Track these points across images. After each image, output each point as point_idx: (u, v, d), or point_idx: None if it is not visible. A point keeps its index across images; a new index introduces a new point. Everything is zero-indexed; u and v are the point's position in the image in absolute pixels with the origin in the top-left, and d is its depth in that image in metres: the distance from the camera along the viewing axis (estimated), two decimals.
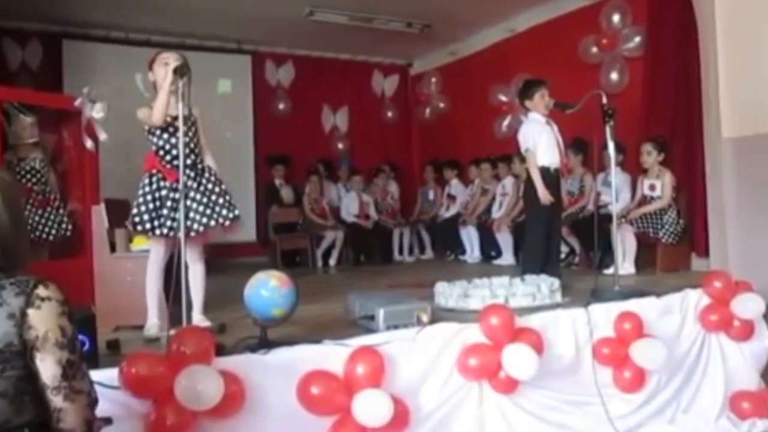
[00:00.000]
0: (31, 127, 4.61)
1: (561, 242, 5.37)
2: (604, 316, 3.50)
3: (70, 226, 4.69)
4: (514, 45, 7.98)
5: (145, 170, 3.46)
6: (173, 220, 3.32)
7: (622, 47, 6.61)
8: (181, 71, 3.05)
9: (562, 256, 5.96)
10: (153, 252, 3.46)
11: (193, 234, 3.33)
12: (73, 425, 1.53)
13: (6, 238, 1.53)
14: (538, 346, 3.07)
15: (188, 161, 3.36)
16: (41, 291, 1.50)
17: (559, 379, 3.28)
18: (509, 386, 3.05)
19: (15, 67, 7.41)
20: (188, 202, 3.33)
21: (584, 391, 3.35)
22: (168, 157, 3.41)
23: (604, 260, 5.41)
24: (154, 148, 3.43)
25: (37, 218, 4.38)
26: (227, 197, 3.48)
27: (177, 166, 3.35)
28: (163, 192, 3.38)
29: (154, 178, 3.41)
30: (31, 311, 1.47)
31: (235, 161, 8.65)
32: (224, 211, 3.43)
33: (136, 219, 3.36)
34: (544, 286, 3.85)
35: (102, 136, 4.60)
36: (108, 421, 1.82)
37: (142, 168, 3.51)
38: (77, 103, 4.60)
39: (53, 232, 4.54)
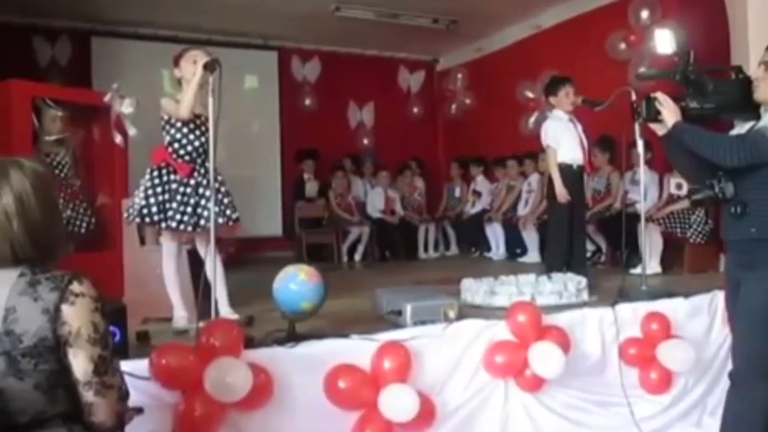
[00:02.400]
0: (60, 122, 4.67)
1: (586, 240, 5.33)
2: (631, 316, 3.47)
3: (94, 219, 4.76)
4: (541, 41, 7.91)
5: (154, 162, 3.47)
6: (183, 213, 3.34)
7: (651, 44, 6.51)
8: (211, 67, 3.08)
9: (588, 254, 5.91)
10: (165, 245, 3.50)
11: (199, 230, 3.36)
12: (103, 419, 1.56)
13: (38, 229, 1.54)
14: (565, 345, 3.06)
15: (199, 159, 3.40)
16: (75, 287, 1.51)
17: (584, 379, 3.26)
18: (535, 384, 3.05)
19: (45, 64, 7.52)
20: (198, 198, 3.37)
21: (610, 392, 3.33)
22: (182, 151, 3.42)
23: (630, 259, 5.35)
24: (168, 139, 3.44)
25: (68, 212, 4.45)
26: (230, 198, 3.51)
27: (189, 161, 3.40)
28: (173, 185, 3.39)
29: (164, 171, 3.42)
30: (64, 307, 1.49)
31: (262, 156, 8.74)
32: (228, 211, 3.46)
33: (144, 211, 3.35)
34: (570, 284, 3.82)
35: (131, 131, 4.65)
36: (139, 410, 1.84)
37: (150, 159, 3.52)
38: (106, 98, 4.66)
39: (84, 224, 4.61)
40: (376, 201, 8.43)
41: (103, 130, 4.94)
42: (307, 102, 9.03)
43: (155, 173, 3.42)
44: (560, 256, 4.57)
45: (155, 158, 3.47)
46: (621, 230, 4.41)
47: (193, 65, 3.32)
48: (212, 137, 3.06)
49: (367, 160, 8.97)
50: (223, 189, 3.48)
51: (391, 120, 9.41)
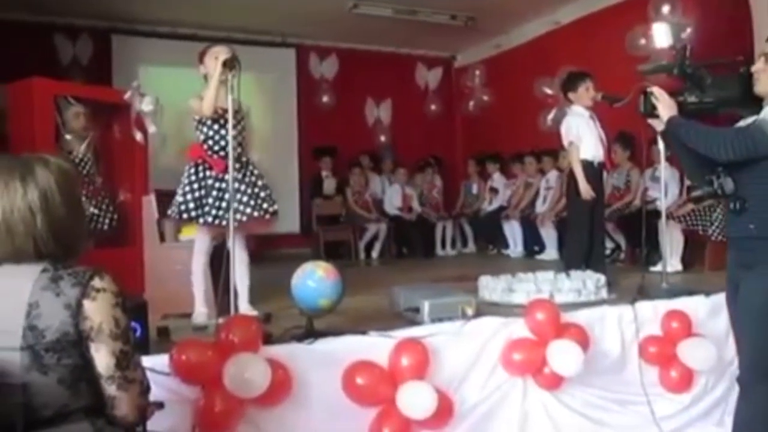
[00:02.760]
0: (81, 119, 4.73)
1: (605, 237, 5.28)
2: (651, 313, 3.44)
3: (116, 216, 4.81)
4: (560, 37, 7.86)
5: (191, 159, 3.52)
6: (218, 209, 3.38)
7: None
8: (230, 64, 3.10)
9: (608, 252, 5.87)
10: (198, 241, 3.54)
11: (235, 224, 3.38)
12: (126, 412, 1.57)
13: (61, 226, 1.55)
14: (584, 343, 3.04)
15: (234, 154, 3.41)
16: (97, 282, 1.52)
17: (604, 377, 3.24)
18: (554, 382, 3.03)
19: (67, 62, 7.61)
20: (233, 193, 3.38)
21: (630, 390, 3.31)
22: (216, 148, 3.46)
23: (650, 257, 5.31)
24: (201, 137, 3.49)
25: (91, 208, 4.50)
26: (268, 191, 3.54)
27: (224, 157, 3.42)
28: (209, 181, 3.44)
29: (200, 168, 3.47)
30: (86, 302, 1.50)
31: (280, 153, 8.76)
32: (265, 204, 3.49)
33: (182, 207, 3.42)
34: (589, 281, 3.79)
35: (151, 128, 4.71)
36: (160, 405, 1.86)
37: (187, 157, 3.57)
38: (127, 96, 4.71)
39: (107, 221, 4.67)
40: (393, 198, 8.43)
41: (124, 128, 4.99)
42: (325, 99, 9.05)
43: (192, 170, 3.47)
44: (580, 253, 4.54)
45: (191, 155, 3.52)
46: (641, 227, 4.37)
47: (215, 61, 3.35)
48: (230, 133, 3.08)
49: (385, 157, 8.97)
50: (260, 183, 3.51)
51: (409, 117, 9.40)
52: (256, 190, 3.48)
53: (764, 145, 2.30)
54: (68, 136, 4.68)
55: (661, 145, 3.95)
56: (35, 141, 4.35)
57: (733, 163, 2.38)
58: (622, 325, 3.35)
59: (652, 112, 2.61)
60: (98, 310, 1.51)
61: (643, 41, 6.64)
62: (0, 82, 6.01)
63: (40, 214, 1.51)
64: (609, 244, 6.05)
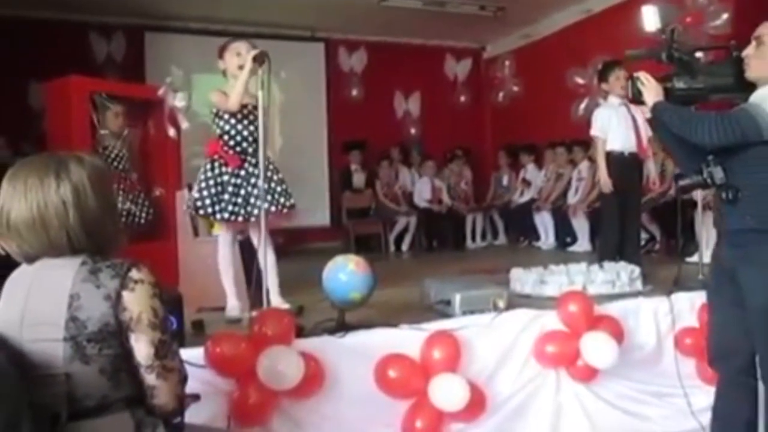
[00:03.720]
0: (117, 116, 4.80)
1: (640, 229, 5.21)
2: (687, 305, 3.39)
3: (151, 211, 4.88)
4: (591, 26, 7.74)
5: (207, 156, 3.54)
6: (234, 204, 3.40)
7: (707, 25, 6.30)
8: (260, 59, 3.12)
9: (642, 243, 5.78)
10: (221, 236, 3.58)
11: (253, 219, 3.41)
12: (165, 401, 1.60)
13: (93, 221, 1.58)
14: (618, 335, 3.01)
15: (250, 149, 3.43)
16: (135, 274, 1.56)
17: (639, 369, 3.20)
18: (587, 375, 3.01)
19: (101, 60, 7.75)
20: (249, 188, 3.41)
21: (666, 382, 3.26)
22: (232, 143, 3.47)
23: (686, 248, 5.22)
24: (219, 132, 3.49)
25: (127, 203, 4.57)
26: (284, 185, 3.54)
27: (240, 152, 3.45)
28: (225, 177, 3.45)
29: (216, 164, 3.48)
30: (125, 293, 1.53)
31: (309, 147, 8.81)
32: (282, 199, 3.50)
33: (198, 203, 3.44)
34: (623, 273, 3.74)
35: (184, 124, 4.75)
36: (196, 397, 1.89)
37: (204, 152, 3.59)
38: (160, 92, 4.76)
39: (143, 215, 4.74)
40: (423, 190, 8.42)
41: (157, 124, 5.05)
42: (354, 92, 9.06)
43: (208, 166, 3.49)
44: (612, 245, 4.49)
45: (209, 151, 3.54)
46: (676, 218, 4.30)
47: (236, 57, 3.37)
48: (261, 130, 3.10)
49: (414, 150, 8.95)
50: (276, 177, 3.52)
51: (438, 109, 9.36)
52: (272, 184, 3.48)
53: (752, 131, 2.20)
54: (104, 132, 4.76)
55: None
56: (72, 138, 4.43)
57: (718, 148, 2.28)
58: (658, 317, 3.31)
59: (638, 97, 2.55)
60: (137, 301, 1.54)
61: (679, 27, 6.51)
62: (38, 80, 6.19)
63: (72, 208, 1.54)
64: (643, 235, 5.95)
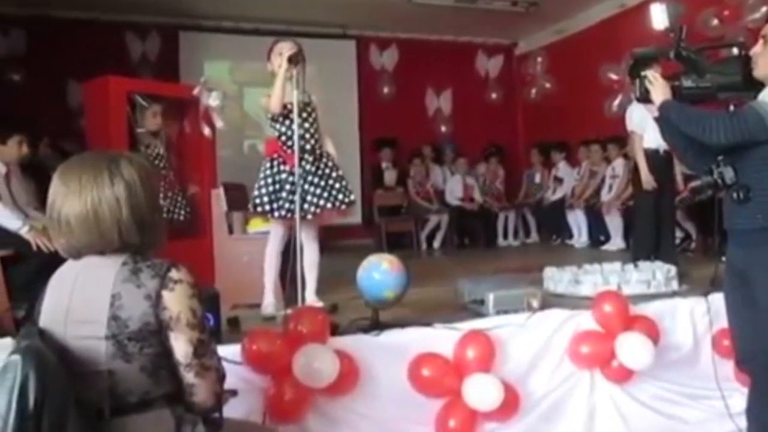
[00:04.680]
0: (155, 115, 4.88)
1: (675, 227, 5.13)
2: (725, 305, 3.32)
3: (189, 209, 4.95)
4: (625, 20, 7.63)
5: (267, 155, 3.61)
6: (291, 202, 3.44)
7: (746, 18, 6.16)
8: (295, 59, 3.15)
9: (677, 242, 5.69)
10: (272, 234, 3.62)
11: (309, 216, 3.44)
12: (203, 399, 1.63)
13: (143, 216, 1.62)
14: (654, 336, 2.97)
15: (307, 146, 3.47)
16: (174, 274, 1.59)
17: (675, 371, 3.16)
18: (622, 375, 2.98)
19: (136, 59, 7.89)
20: (306, 186, 3.45)
21: (703, 384, 3.21)
22: (289, 143, 3.52)
23: (722, 246, 5.11)
24: (276, 134, 3.57)
25: (166, 202, 4.65)
26: (344, 182, 3.60)
27: (298, 150, 3.48)
28: (283, 176, 3.51)
29: (275, 162, 3.55)
30: (165, 293, 1.56)
31: (341, 145, 8.72)
32: (340, 195, 3.55)
33: (257, 201, 3.52)
34: (659, 273, 3.69)
35: (219, 123, 4.82)
36: (234, 393, 1.92)
37: (264, 152, 3.66)
38: (195, 91, 4.84)
39: (181, 213, 4.82)
40: (454, 188, 8.40)
41: (192, 122, 5.13)
42: (385, 90, 9.07)
43: (267, 165, 3.57)
44: (647, 244, 4.43)
45: (268, 151, 3.62)
46: (713, 216, 4.21)
47: (279, 58, 3.42)
48: (295, 127, 3.14)
49: (446, 148, 8.92)
50: (334, 174, 3.58)
51: (469, 106, 9.32)
52: (330, 181, 3.54)
53: (760, 129, 2.17)
54: (142, 131, 4.84)
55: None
56: (110, 136, 4.52)
57: (727, 147, 2.25)
58: (695, 317, 3.26)
59: (645, 96, 2.51)
60: (176, 301, 1.57)
61: (715, 22, 6.39)
62: (76, 80, 6.32)
63: (125, 204, 1.58)
64: (679, 234, 5.86)
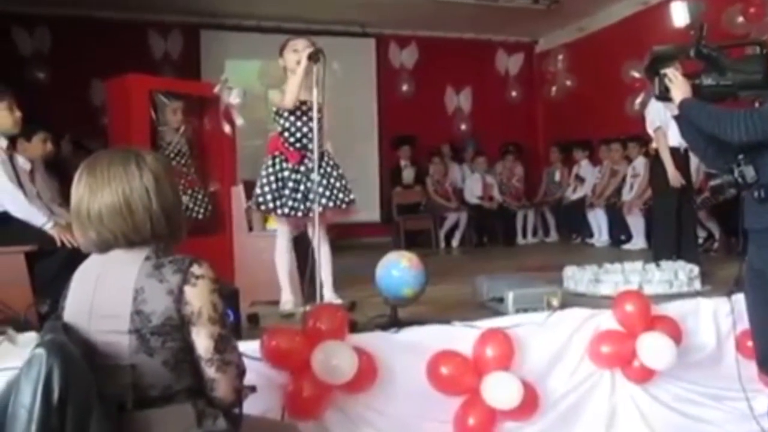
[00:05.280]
0: (177, 113, 4.93)
1: (697, 226, 5.07)
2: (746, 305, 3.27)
3: (210, 207, 4.99)
4: (648, 18, 7.54)
5: (269, 152, 3.60)
6: (294, 200, 3.45)
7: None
8: (315, 57, 3.15)
9: (700, 241, 5.62)
10: (279, 231, 3.63)
11: (311, 215, 3.44)
12: (224, 393, 1.65)
13: (171, 208, 1.66)
14: (676, 336, 2.94)
15: (310, 145, 3.46)
16: (196, 269, 1.60)
17: (698, 371, 3.12)
18: (644, 376, 2.95)
19: (158, 58, 7.97)
20: (309, 184, 3.44)
21: (726, 385, 3.17)
22: (292, 139, 3.52)
23: (746, 246, 5.04)
24: (279, 129, 3.56)
25: (186, 198, 4.69)
26: (343, 181, 3.58)
27: (300, 149, 3.50)
28: (285, 173, 3.50)
29: (277, 160, 3.54)
30: (187, 288, 1.58)
31: (360, 143, 8.84)
32: (341, 195, 3.54)
33: (260, 199, 3.51)
34: (681, 272, 3.65)
35: (239, 121, 4.85)
36: (253, 389, 1.92)
37: (266, 150, 3.65)
38: (216, 89, 4.87)
39: (202, 210, 4.86)
40: (473, 187, 8.38)
41: (213, 120, 5.17)
42: (405, 88, 9.07)
43: (269, 162, 3.56)
44: (668, 243, 4.38)
45: (270, 148, 3.60)
46: (736, 215, 4.16)
47: (294, 54, 3.42)
48: (315, 127, 3.14)
49: (467, 146, 8.90)
50: (335, 173, 3.56)
51: (489, 104, 9.29)
52: (332, 180, 3.53)
53: None
54: (163, 128, 4.89)
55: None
56: (132, 133, 4.57)
57: (748, 146, 2.22)
58: (718, 317, 3.22)
59: (665, 95, 2.48)
60: (198, 296, 1.59)
61: (740, 19, 6.31)
62: (99, 78, 6.40)
63: (154, 195, 1.62)
64: (701, 233, 5.79)
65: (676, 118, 2.54)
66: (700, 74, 2.49)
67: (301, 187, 3.46)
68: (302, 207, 3.45)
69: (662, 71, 2.50)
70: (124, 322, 1.55)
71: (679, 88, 2.42)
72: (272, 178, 3.51)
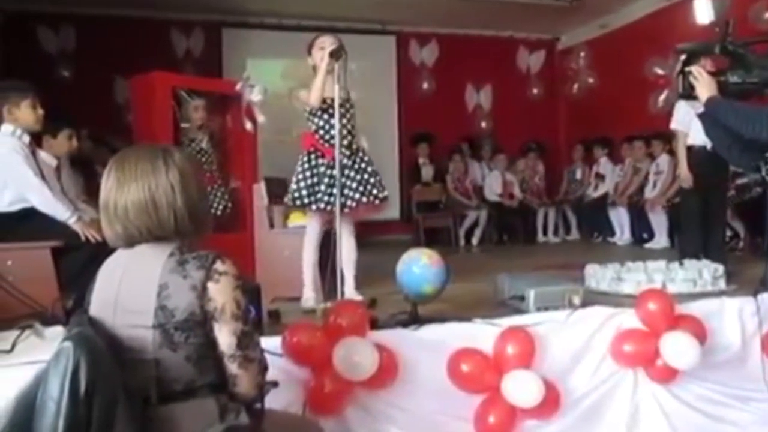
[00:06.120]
0: (199, 110, 4.97)
1: (725, 225, 5.00)
2: None
3: (230, 203, 5.03)
4: (672, 14, 7.45)
5: (304, 149, 3.64)
6: (329, 195, 3.47)
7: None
8: (337, 54, 3.16)
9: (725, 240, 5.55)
10: (309, 227, 3.66)
11: (346, 210, 3.46)
12: (246, 389, 1.67)
13: (194, 204, 1.67)
14: (700, 335, 2.90)
15: (344, 142, 3.48)
16: (219, 266, 1.62)
17: (722, 371, 3.08)
18: (667, 375, 2.91)
19: (181, 55, 8.04)
20: (343, 180, 3.46)
21: (751, 386, 3.13)
22: (327, 137, 3.55)
23: None
24: (313, 127, 3.59)
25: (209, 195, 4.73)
26: (378, 177, 3.61)
27: (334, 145, 3.50)
28: (321, 169, 3.54)
29: (312, 156, 3.58)
30: (210, 284, 1.59)
31: (380, 140, 8.80)
32: (375, 191, 3.57)
33: (296, 194, 3.55)
34: (706, 271, 3.61)
35: (260, 118, 4.88)
36: (275, 384, 1.94)
37: (300, 146, 3.69)
38: (238, 87, 4.91)
39: (220, 207, 4.90)
40: (493, 184, 8.34)
41: (234, 117, 5.21)
42: (425, 85, 9.05)
43: (305, 158, 3.59)
44: (695, 242, 4.34)
45: (305, 144, 3.64)
46: (762, 214, 4.11)
47: (320, 52, 3.44)
48: (337, 124, 3.15)
49: (485, 143, 8.86)
50: (369, 169, 3.60)
51: (510, 102, 9.24)
52: (366, 176, 3.56)
53: None
54: (186, 125, 4.94)
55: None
56: (155, 131, 4.62)
57: None
58: (743, 317, 3.17)
59: (690, 93, 2.43)
60: (221, 292, 1.60)
61: (767, 15, 6.20)
62: (123, 76, 6.47)
63: (179, 191, 1.64)
64: (727, 232, 5.70)
65: (701, 116, 2.51)
66: (726, 71, 2.45)
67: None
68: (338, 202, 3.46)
69: (686, 69, 2.47)
70: (149, 317, 1.57)
71: (705, 86, 2.39)
72: (308, 173, 3.55)
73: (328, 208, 3.48)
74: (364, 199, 3.52)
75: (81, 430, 1.39)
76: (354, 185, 3.51)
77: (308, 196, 3.52)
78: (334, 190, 3.44)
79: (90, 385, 1.40)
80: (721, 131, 2.40)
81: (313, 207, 3.52)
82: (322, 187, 3.50)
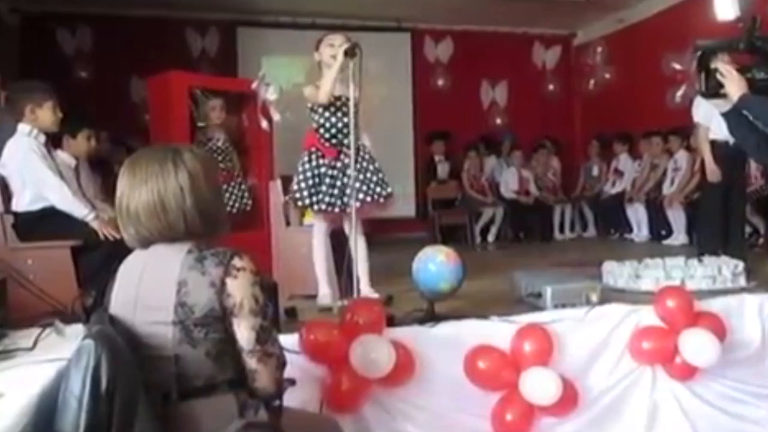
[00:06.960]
0: (217, 109, 4.99)
1: (744, 222, 4.95)
2: None
3: (250, 201, 5.06)
4: (691, 9, 7.35)
5: (305, 148, 3.62)
6: (331, 195, 3.46)
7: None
8: (351, 52, 3.16)
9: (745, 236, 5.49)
10: (316, 226, 3.66)
11: (349, 210, 3.45)
12: (265, 385, 1.68)
13: (206, 206, 1.67)
14: (720, 332, 2.87)
15: (346, 140, 3.46)
16: (237, 262, 1.63)
17: (742, 369, 3.05)
18: (686, 373, 2.89)
19: (196, 54, 8.07)
20: (345, 179, 3.45)
21: None
22: (327, 135, 3.53)
23: None
24: (315, 125, 3.57)
25: (227, 194, 4.76)
26: (380, 174, 3.57)
27: (335, 144, 3.50)
28: (322, 169, 3.52)
29: (313, 156, 3.56)
30: (229, 280, 1.61)
31: (395, 138, 8.82)
32: (378, 188, 3.53)
33: (297, 195, 3.54)
34: (725, 268, 3.56)
35: (276, 116, 4.89)
36: (292, 382, 1.94)
37: (302, 145, 3.67)
38: (254, 86, 4.92)
39: (237, 205, 4.92)
40: (509, 181, 8.30)
41: (250, 116, 5.23)
42: (440, 82, 9.01)
43: (306, 158, 3.58)
44: (713, 238, 4.30)
45: (306, 144, 3.62)
46: None
47: (330, 49, 3.42)
48: (352, 123, 3.15)
49: (505, 140, 8.81)
50: (371, 167, 3.56)
51: (525, 98, 9.18)
52: (368, 174, 3.53)
53: None
54: (202, 124, 4.97)
55: None
56: (172, 130, 4.65)
57: None
58: (763, 314, 3.14)
59: (717, 91, 2.38)
60: (239, 288, 1.61)
61: None
62: (139, 76, 6.52)
63: (188, 193, 1.64)
64: (746, 229, 5.64)
65: (725, 114, 2.46)
66: (751, 68, 2.41)
67: (338, 183, 3.47)
68: (339, 202, 3.45)
69: (713, 66, 2.43)
70: (168, 313, 1.58)
71: (735, 83, 2.34)
72: (309, 174, 3.53)
73: (330, 208, 3.47)
74: (368, 198, 3.48)
75: (102, 426, 1.40)
76: (357, 185, 3.48)
77: (310, 196, 3.50)
78: (336, 191, 3.44)
79: (111, 382, 1.41)
80: (746, 129, 2.35)
81: (315, 207, 3.51)
82: (324, 188, 3.48)
